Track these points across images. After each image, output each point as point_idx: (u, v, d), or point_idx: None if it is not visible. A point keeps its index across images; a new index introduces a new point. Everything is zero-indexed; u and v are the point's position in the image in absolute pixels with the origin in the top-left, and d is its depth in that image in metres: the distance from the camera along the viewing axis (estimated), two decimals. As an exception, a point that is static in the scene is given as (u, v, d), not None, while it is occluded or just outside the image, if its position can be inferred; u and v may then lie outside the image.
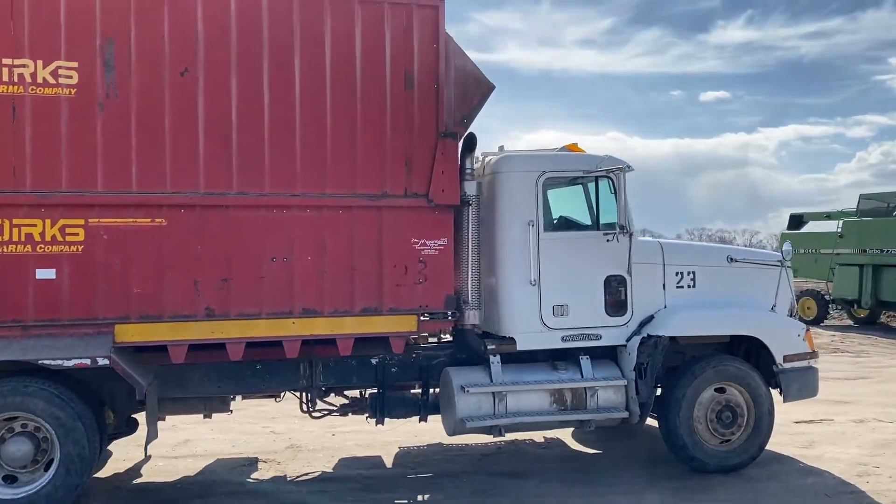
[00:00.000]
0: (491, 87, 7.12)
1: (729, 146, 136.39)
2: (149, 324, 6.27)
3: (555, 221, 7.67)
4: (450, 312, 6.95)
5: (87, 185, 6.13)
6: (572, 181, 7.46)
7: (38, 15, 6.01)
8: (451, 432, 7.14)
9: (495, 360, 7.20)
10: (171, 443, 8.60)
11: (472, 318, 7.25)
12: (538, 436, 8.73)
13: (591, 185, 7.42)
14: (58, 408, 6.05)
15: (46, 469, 6.12)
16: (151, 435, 6.35)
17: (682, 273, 7.71)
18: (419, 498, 6.79)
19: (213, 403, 7.46)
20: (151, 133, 6.22)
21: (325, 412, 7.59)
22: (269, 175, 6.44)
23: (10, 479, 6.08)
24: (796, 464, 7.79)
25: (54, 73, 6.05)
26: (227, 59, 6.34)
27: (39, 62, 6.03)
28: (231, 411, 7.62)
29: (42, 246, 6.06)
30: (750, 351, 7.80)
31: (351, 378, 7.32)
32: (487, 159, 7.57)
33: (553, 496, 6.76)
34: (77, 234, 6.13)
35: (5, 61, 5.97)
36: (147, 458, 7.95)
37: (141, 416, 6.91)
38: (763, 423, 7.51)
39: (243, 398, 7.62)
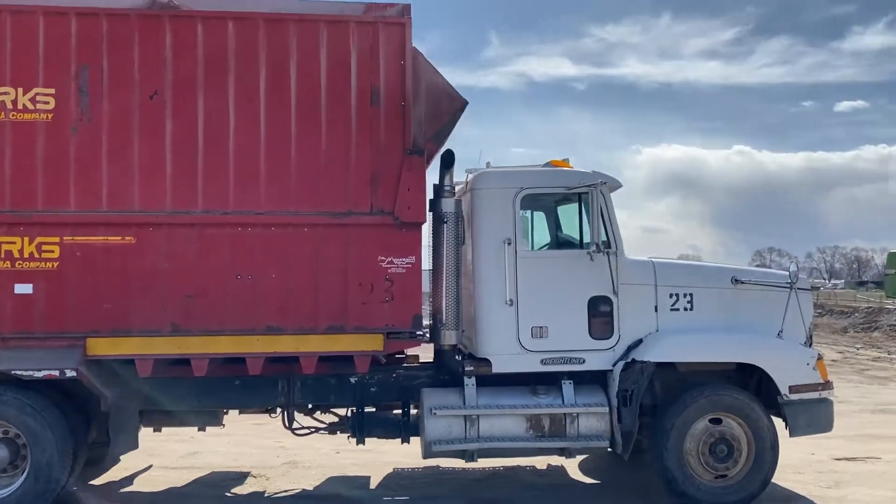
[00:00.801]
0: (463, 103, 6.99)
1: (868, 159, 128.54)
2: (118, 338, 6.50)
3: (559, 238, 7.42)
4: (419, 332, 6.82)
5: (61, 205, 6.44)
6: (554, 198, 7.19)
7: (18, 45, 6.40)
8: (424, 455, 6.99)
9: (470, 383, 7.01)
10: (180, 454, 8.88)
11: (448, 338, 7.10)
12: (541, 462, 8.41)
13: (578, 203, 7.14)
14: (29, 416, 6.35)
15: (24, 474, 6.43)
16: (117, 445, 6.55)
17: (677, 295, 7.25)
18: (379, 521, 6.67)
19: (204, 417, 7.62)
20: (121, 154, 6.48)
21: (313, 430, 7.60)
22: (234, 194, 6.56)
23: (-12, 483, 6.43)
24: (806, 505, 7.13)
25: (33, 100, 6.42)
26: (194, 81, 6.53)
27: (20, 89, 6.41)
28: (223, 425, 7.77)
29: (21, 262, 6.41)
30: (762, 381, 7.24)
31: (329, 397, 7.30)
32: (469, 176, 7.42)
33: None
34: (53, 252, 6.44)
35: (-8, 89, 6.38)
36: (148, 467, 8.29)
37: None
38: (765, 458, 6.93)
39: (240, 413, 7.73)
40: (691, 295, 7.27)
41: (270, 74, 6.60)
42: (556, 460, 8.42)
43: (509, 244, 7.00)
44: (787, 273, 7.34)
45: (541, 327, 7.02)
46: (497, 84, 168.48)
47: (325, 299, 6.66)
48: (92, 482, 7.71)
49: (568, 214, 7.81)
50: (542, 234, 7.87)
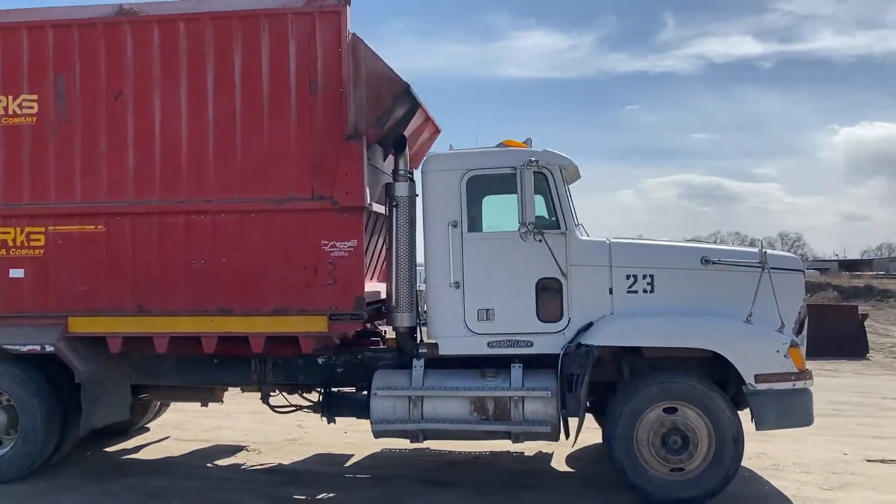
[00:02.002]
0: (405, 87, 7.01)
1: None
2: (92, 317, 7.18)
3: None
4: (361, 314, 6.95)
5: (44, 198, 7.22)
6: (501, 179, 7.02)
7: (7, 58, 7.24)
8: (375, 435, 7.12)
9: (418, 364, 7.05)
10: (204, 428, 9.60)
11: (402, 320, 7.18)
12: (532, 448, 8.25)
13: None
14: (18, 386, 7.20)
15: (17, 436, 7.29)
16: (90, 414, 7.21)
17: (635, 276, 6.86)
18: (320, 496, 6.87)
19: (202, 393, 8.28)
20: (91, 150, 7.14)
21: (294, 408, 7.98)
22: (186, 183, 7.03)
23: (-2, 443, 7.36)
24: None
25: (21, 106, 7.23)
26: (151, 81, 7.06)
27: (10, 97, 7.25)
28: (221, 401, 8.37)
29: (14, 250, 7.26)
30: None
31: (298, 376, 7.61)
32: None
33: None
34: (39, 240, 7.24)
35: (-15, 98, 7.27)
36: (164, 437, 9.06)
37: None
38: (726, 452, 6.42)
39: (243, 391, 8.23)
40: (652, 276, 6.85)
41: (218, 70, 7.00)
42: (547, 447, 8.24)
43: (455, 227, 6.95)
44: (764, 251, 6.70)
45: (487, 310, 6.91)
46: (674, 68, 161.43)
47: (272, 282, 6.96)
48: (107, 448, 8.55)
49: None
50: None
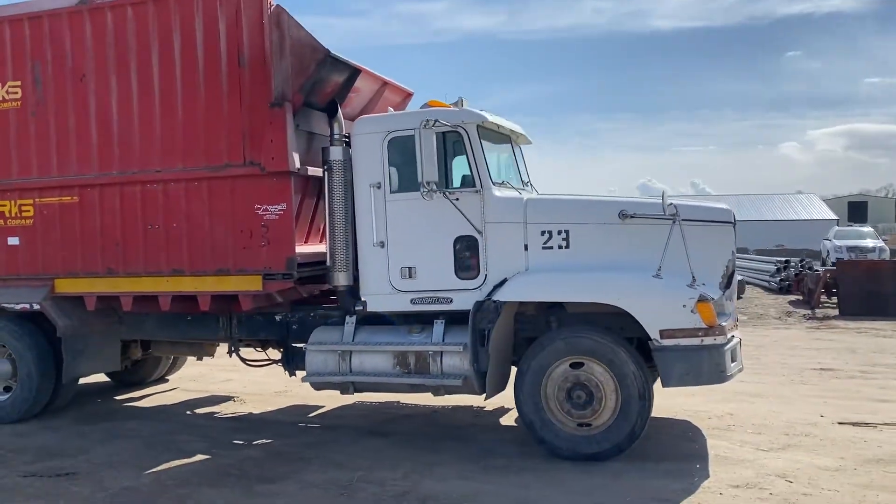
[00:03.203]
0: (325, 52, 7.22)
1: None
2: (73, 279, 8.03)
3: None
4: (293, 273, 7.34)
5: (29, 173, 8.10)
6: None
7: (-4, 49, 8.13)
8: (313, 387, 7.54)
9: (350, 321, 7.38)
10: (214, 381, 10.43)
11: (339, 279, 7.50)
12: (493, 404, 8.40)
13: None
14: (16, 340, 8.22)
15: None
16: (72, 365, 8.11)
17: (550, 232, 6.82)
18: (257, 441, 7.39)
19: (195, 348, 9.08)
20: (63, 128, 7.92)
21: (268, 362, 8.57)
22: (139, 155, 7.66)
23: (7, 389, 8.41)
24: (712, 466, 6.32)
25: (8, 91, 8.12)
26: (106, 62, 7.71)
27: (-1, 84, 8.16)
28: (213, 355, 9.13)
29: (10, 220, 8.23)
30: None
31: (259, 332, 8.18)
32: None
33: (365, 457, 6.76)
34: (29, 211, 8.15)
35: (-20, 87, 8.22)
36: (172, 389, 9.96)
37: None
38: (632, 407, 6.35)
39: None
40: (567, 232, 6.79)
41: (161, 49, 7.52)
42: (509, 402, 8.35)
43: (378, 188, 7.16)
44: (671, 204, 6.45)
45: (410, 268, 7.11)
46: (841, 7, 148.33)
47: (215, 245, 7.48)
48: (117, 397, 9.54)
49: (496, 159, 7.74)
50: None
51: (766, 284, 22.33)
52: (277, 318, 8.02)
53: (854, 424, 7.49)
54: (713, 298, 6.33)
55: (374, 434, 7.58)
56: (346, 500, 5.63)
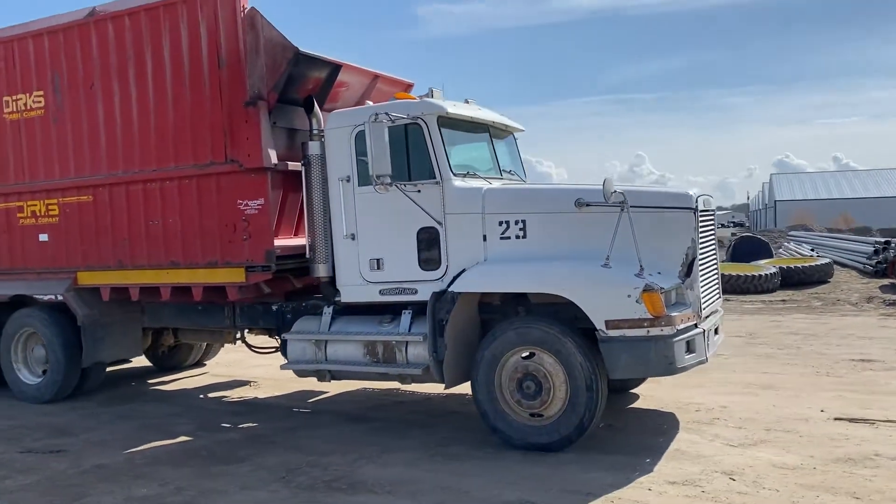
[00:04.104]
0: (295, 51, 7.46)
1: None
2: (90, 272, 8.72)
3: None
4: (271, 265, 7.67)
5: (52, 175, 8.84)
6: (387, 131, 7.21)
7: (23, 62, 8.90)
8: (296, 374, 7.85)
9: (327, 311, 7.63)
10: (247, 366, 10.96)
11: (319, 271, 7.76)
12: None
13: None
14: (45, 327, 9.01)
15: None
16: (91, 350, 8.79)
17: (507, 222, 6.78)
18: (244, 424, 7.79)
19: (215, 335, 9.64)
20: (77, 132, 8.59)
21: (273, 349, 8.99)
22: (139, 156, 8.21)
23: (44, 372, 9.25)
24: (671, 464, 6.16)
25: (34, 100, 8.89)
26: (110, 70, 8.29)
27: (27, 94, 8.92)
28: (233, 342, 9.66)
29: (41, 218, 9.02)
30: None
31: (258, 321, 8.57)
32: None
33: (330, 442, 7.00)
34: (55, 210, 8.91)
35: (14, 97, 9.02)
36: (203, 373, 10.60)
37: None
38: (579, 399, 6.26)
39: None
40: (524, 222, 6.73)
41: (153, 56, 8.00)
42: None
43: (347, 181, 7.35)
44: (615, 192, 6.23)
45: (377, 259, 7.27)
46: None
47: (205, 239, 7.93)
48: (150, 380, 10.26)
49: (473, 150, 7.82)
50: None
51: (860, 267, 20.85)
52: (273, 307, 8.37)
53: (851, 420, 7.02)
54: (662, 288, 6.12)
55: (355, 420, 7.83)
56: (282, 483, 5.89)
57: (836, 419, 7.10)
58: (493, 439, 6.68)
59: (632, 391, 8.37)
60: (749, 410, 7.49)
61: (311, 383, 9.46)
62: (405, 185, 6.92)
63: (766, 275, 18.12)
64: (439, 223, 6.95)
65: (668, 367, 6.12)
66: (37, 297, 9.02)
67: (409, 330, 7.10)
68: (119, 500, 5.61)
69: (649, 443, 6.61)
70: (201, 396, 9.30)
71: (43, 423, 8.11)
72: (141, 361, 11.02)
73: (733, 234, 35.32)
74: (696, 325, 6.43)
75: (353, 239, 7.34)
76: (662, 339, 6.06)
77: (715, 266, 7.32)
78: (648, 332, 6.05)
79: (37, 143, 8.93)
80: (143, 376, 10.58)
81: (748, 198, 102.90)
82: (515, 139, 8.66)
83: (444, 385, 6.95)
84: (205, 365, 11.14)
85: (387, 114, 6.78)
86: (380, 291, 7.29)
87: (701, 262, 6.75)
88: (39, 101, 8.87)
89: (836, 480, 5.51)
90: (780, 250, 29.37)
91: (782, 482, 5.52)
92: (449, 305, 6.76)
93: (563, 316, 6.57)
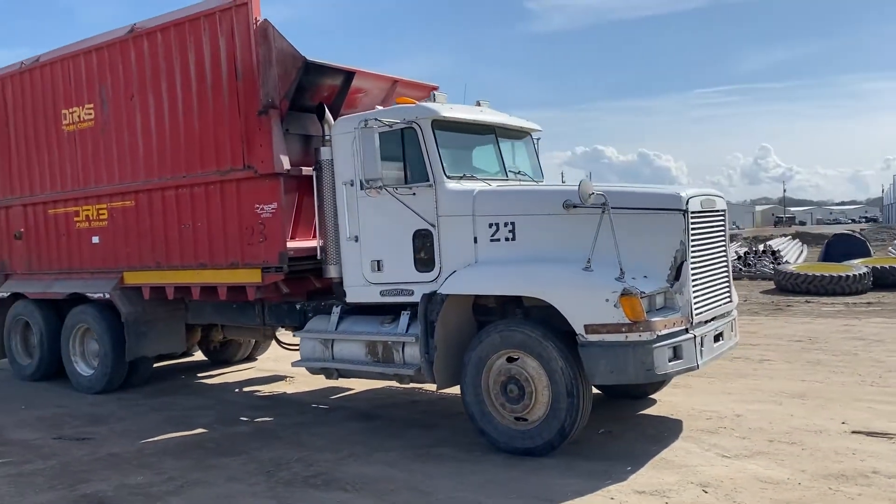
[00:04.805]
0: (304, 60, 7.71)
1: None
2: (134, 272, 9.33)
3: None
4: (284, 266, 7.96)
5: (101, 182, 9.51)
6: (383, 137, 7.34)
7: (77, 78, 9.62)
8: (308, 371, 8.11)
9: (336, 311, 7.85)
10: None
11: (330, 272, 8.00)
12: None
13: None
14: (96, 322, 9.70)
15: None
16: (134, 345, 9.38)
17: (497, 225, 6.77)
18: (260, 418, 8.12)
19: (255, 333, 10.10)
20: (121, 141, 9.21)
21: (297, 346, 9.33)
22: (171, 163, 8.71)
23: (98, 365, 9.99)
24: (652, 472, 6.02)
25: (86, 112, 9.59)
26: (145, 83, 8.83)
27: (80, 107, 9.64)
28: (272, 338, 10.08)
29: (93, 222, 9.73)
30: None
31: (284, 319, 8.90)
32: None
33: (328, 439, 7.21)
34: (104, 214, 9.59)
35: (70, 110, 9.77)
36: (250, 367, 11.11)
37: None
38: (560, 404, 6.19)
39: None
40: (513, 224, 6.71)
41: (181, 69, 8.48)
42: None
43: (351, 185, 7.54)
44: (593, 193, 6.07)
45: (378, 261, 7.42)
46: None
47: (227, 241, 8.34)
48: (200, 373, 10.84)
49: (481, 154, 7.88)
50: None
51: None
52: (297, 306, 8.68)
53: (869, 434, 6.58)
54: (642, 292, 5.95)
55: (364, 417, 8.02)
56: (265, 477, 6.13)
57: (853, 432, 6.67)
58: (485, 442, 6.69)
59: (650, 396, 8.15)
60: (762, 420, 7.14)
61: (340, 380, 9.78)
62: (397, 189, 7.03)
63: (854, 275, 17.05)
64: (433, 225, 7.02)
65: (647, 374, 5.96)
66: (89, 295, 9.72)
67: (406, 331, 7.21)
68: (112, 487, 6.02)
69: (640, 451, 6.43)
70: (236, 391, 9.76)
71: (86, 412, 8.74)
72: (199, 356, 11.67)
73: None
74: (686, 331, 6.22)
75: (357, 241, 7.52)
76: (641, 345, 5.90)
77: (722, 269, 7.02)
78: (627, 337, 5.91)
79: (88, 151, 9.63)
80: (194, 370, 11.17)
81: (883, 191, 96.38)
82: (534, 140, 8.60)
83: (435, 386, 7.03)
84: (255, 360, 11.65)
85: (377, 119, 6.91)
86: (380, 292, 7.44)
87: (701, 265, 6.53)
88: (90, 113, 9.56)
89: (816, 497, 5.22)
90: (891, 249, 27.54)
91: (757, 496, 5.28)
92: (439, 307, 6.83)
93: (555, 320, 6.50)
